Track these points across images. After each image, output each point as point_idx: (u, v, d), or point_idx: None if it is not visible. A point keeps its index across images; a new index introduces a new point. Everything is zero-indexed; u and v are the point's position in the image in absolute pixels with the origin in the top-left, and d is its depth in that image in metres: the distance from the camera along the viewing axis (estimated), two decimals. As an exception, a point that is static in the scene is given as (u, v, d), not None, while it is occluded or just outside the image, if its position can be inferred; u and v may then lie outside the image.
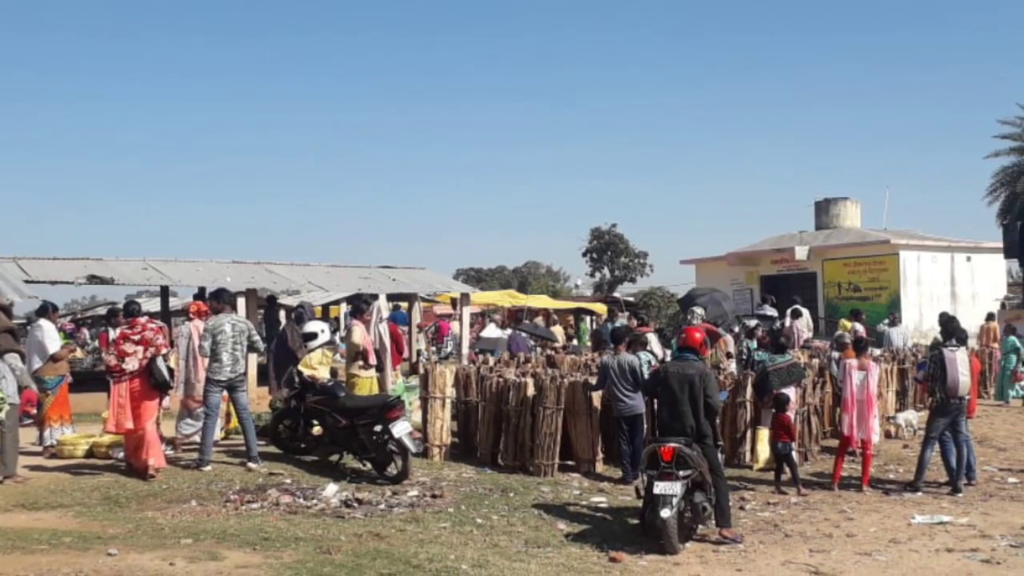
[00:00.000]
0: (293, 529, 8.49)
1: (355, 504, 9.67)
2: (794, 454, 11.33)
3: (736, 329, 18.84)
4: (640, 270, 61.39)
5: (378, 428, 10.90)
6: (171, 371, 10.96)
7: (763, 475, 11.75)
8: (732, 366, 15.21)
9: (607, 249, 60.91)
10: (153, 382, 10.60)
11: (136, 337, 10.66)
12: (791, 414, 11.66)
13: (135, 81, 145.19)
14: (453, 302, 31.51)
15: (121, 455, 11.18)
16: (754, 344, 15.17)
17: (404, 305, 26.87)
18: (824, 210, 36.34)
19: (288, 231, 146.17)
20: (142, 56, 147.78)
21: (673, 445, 8.45)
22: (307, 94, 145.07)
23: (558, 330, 28.68)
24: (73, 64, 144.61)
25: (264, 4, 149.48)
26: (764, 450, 12.10)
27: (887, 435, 14.43)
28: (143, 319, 11.14)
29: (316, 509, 9.45)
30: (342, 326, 24.62)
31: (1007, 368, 19.35)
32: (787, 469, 11.14)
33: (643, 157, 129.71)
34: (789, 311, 20.29)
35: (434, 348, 28.79)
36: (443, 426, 12.38)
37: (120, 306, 13.90)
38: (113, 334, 12.07)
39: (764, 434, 12.09)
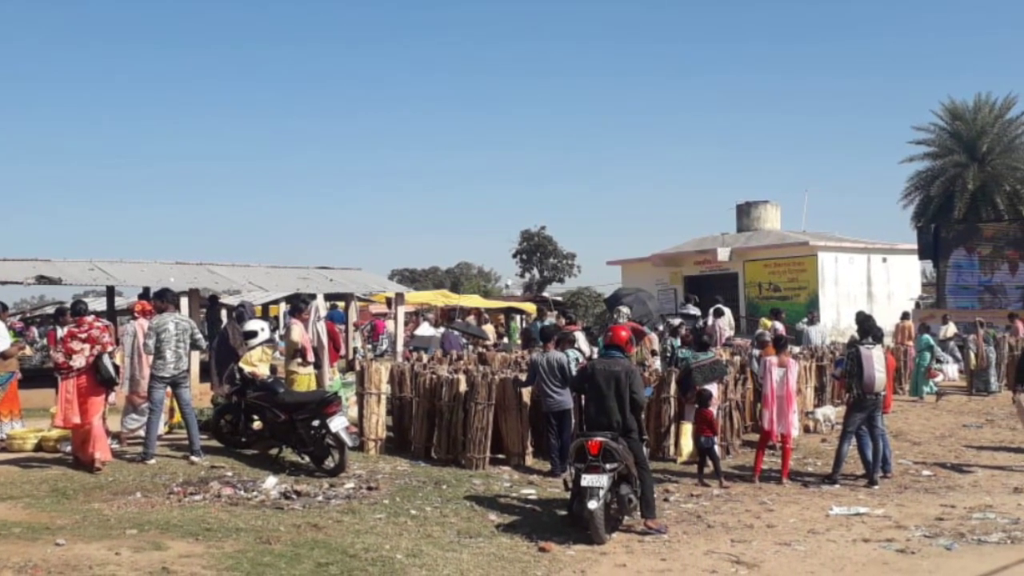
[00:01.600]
0: (234, 520, 8.59)
1: (294, 496, 9.79)
2: (716, 448, 11.50)
3: (660, 327, 18.88)
4: (568, 271, 62.15)
5: (316, 423, 11.02)
6: (117, 368, 10.95)
7: (687, 468, 11.96)
8: (657, 363, 15.35)
9: (536, 250, 61.49)
10: (99, 378, 10.62)
11: (83, 335, 10.68)
12: (713, 409, 11.80)
13: (77, 87, 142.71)
14: (388, 301, 31.64)
15: (69, 449, 11.18)
16: (678, 342, 15.16)
17: (341, 304, 26.92)
18: (745, 213, 36.79)
19: (229, 233, 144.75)
20: (84, 63, 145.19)
21: (600, 439, 8.60)
22: (245, 100, 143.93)
23: (489, 328, 28.98)
24: (16, 70, 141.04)
25: (203, 13, 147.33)
26: (687, 444, 12.30)
27: (806, 430, 14.75)
28: (90, 318, 11.18)
29: (256, 501, 9.54)
30: (281, 324, 24.67)
31: (921, 365, 19.71)
32: (709, 462, 11.30)
33: (571, 162, 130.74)
34: (712, 310, 20.46)
35: (370, 346, 28.97)
36: (379, 421, 12.45)
37: (68, 305, 13.76)
38: (61, 332, 12.06)
39: (687, 428, 12.25)
